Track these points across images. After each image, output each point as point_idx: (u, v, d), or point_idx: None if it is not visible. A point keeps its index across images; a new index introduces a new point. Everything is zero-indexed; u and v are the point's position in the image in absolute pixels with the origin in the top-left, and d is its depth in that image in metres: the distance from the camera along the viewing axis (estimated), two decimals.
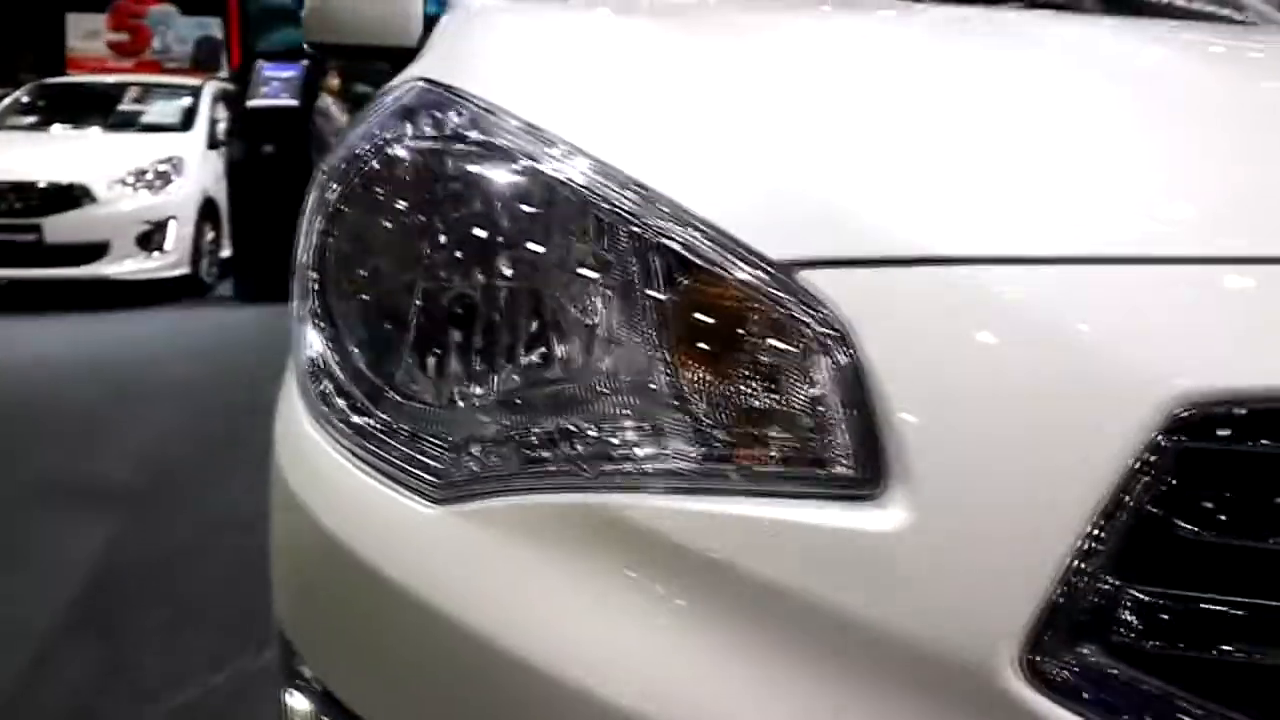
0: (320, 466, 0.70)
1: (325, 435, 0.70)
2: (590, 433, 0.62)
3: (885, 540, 0.54)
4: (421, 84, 0.91)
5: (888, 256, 0.59)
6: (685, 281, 0.62)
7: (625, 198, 0.64)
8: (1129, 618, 0.53)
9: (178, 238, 6.37)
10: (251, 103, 6.16)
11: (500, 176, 0.70)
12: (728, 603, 0.56)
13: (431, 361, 0.68)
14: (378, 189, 0.78)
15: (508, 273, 0.68)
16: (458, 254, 0.70)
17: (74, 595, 2.26)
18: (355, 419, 0.69)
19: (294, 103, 6.16)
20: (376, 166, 0.78)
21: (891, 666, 0.54)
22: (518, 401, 0.65)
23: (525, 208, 0.68)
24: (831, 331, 0.57)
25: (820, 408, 0.58)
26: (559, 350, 0.65)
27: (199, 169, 6.67)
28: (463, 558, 0.62)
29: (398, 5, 1.78)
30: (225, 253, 7.03)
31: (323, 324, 0.76)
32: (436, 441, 0.66)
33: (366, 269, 0.75)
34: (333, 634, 0.70)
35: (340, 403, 0.71)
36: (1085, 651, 0.52)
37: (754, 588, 0.56)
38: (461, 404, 0.66)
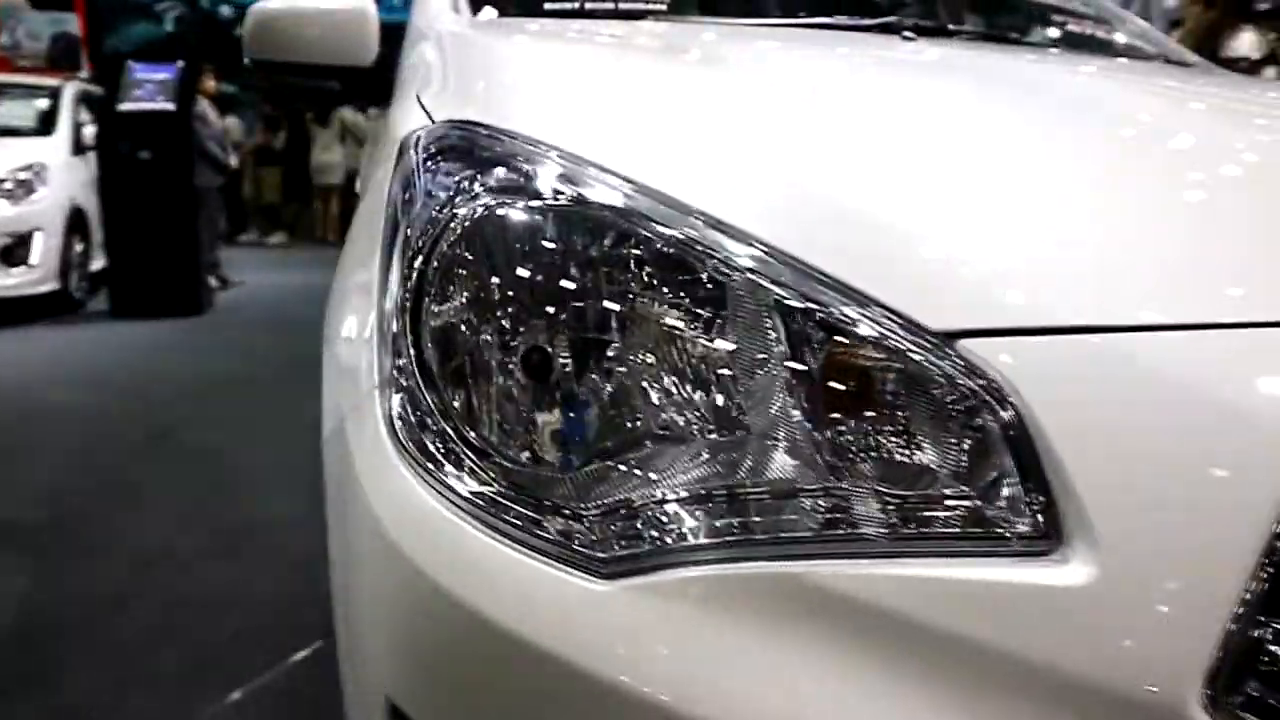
0: (458, 544, 0.68)
1: (457, 511, 0.69)
2: (774, 502, 0.63)
3: (1072, 594, 0.58)
4: (483, 131, 0.89)
5: (1046, 326, 0.63)
6: (851, 353, 0.64)
7: (782, 274, 0.66)
8: None
9: (44, 251, 5.94)
10: (124, 106, 5.79)
11: (645, 248, 0.71)
12: (923, 662, 0.59)
13: (588, 433, 0.68)
14: (478, 253, 0.76)
15: (655, 346, 0.69)
16: (599, 327, 0.70)
17: None
18: (498, 496, 0.68)
19: (170, 106, 5.83)
20: (477, 229, 0.77)
21: (1085, 713, 0.57)
22: (683, 473, 0.65)
23: (674, 277, 0.69)
24: (998, 398, 0.60)
25: (996, 471, 0.61)
26: (728, 422, 0.65)
27: (64, 177, 6.22)
28: (644, 632, 0.62)
29: (352, 24, 1.73)
30: (96, 266, 6.59)
31: (432, 393, 0.74)
32: (599, 515, 0.65)
33: (490, 335, 0.74)
34: (483, 713, 0.68)
35: (473, 478, 0.70)
36: (1258, 687, 0.57)
37: (949, 646, 0.58)
38: (626, 475, 0.66)
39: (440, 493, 0.70)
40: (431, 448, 0.72)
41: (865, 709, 0.59)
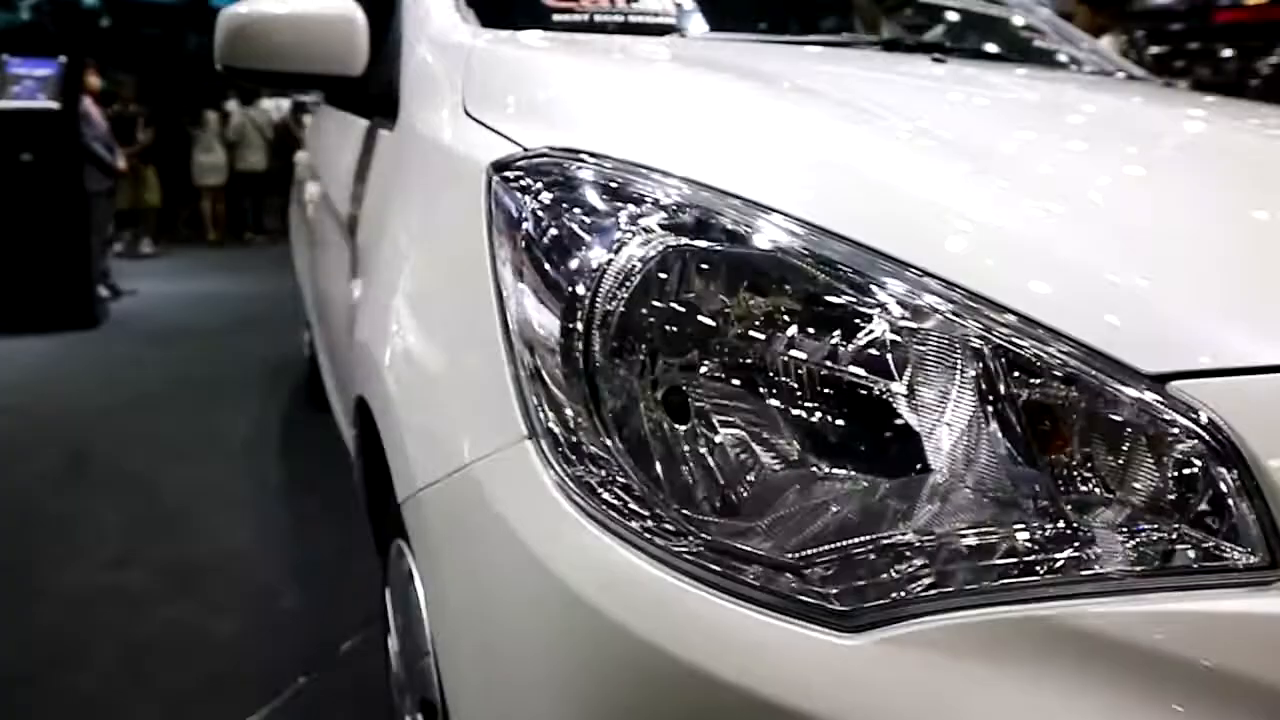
0: (678, 605, 0.66)
1: (669, 570, 0.67)
2: (1007, 545, 0.63)
3: None
4: (609, 163, 0.87)
5: (1252, 365, 0.65)
6: (1067, 397, 0.65)
7: (991, 321, 0.68)
8: None
9: None
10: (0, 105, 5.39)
11: (839, 293, 0.71)
12: (1173, 695, 0.61)
13: (806, 483, 0.67)
14: (660, 298, 0.75)
15: (856, 392, 0.68)
16: (796, 374, 0.70)
17: None
18: (716, 552, 0.67)
19: (54, 105, 5.45)
20: (657, 271, 0.75)
21: None
22: (912, 520, 0.65)
23: (868, 320, 0.69)
24: (1215, 437, 0.62)
25: (1220, 507, 0.63)
26: (951, 466, 0.65)
27: None
28: (898, 686, 0.61)
29: (339, 32, 1.65)
30: None
31: (615, 446, 0.72)
32: (836, 568, 0.65)
33: (679, 384, 0.71)
34: None
35: (683, 536, 0.68)
36: None
37: (1195, 677, 0.60)
38: (855, 525, 0.65)
39: (649, 552, 0.68)
40: (621, 503, 0.70)
41: None
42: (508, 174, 0.95)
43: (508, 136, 1.02)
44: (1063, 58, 2.00)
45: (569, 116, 1.04)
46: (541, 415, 0.77)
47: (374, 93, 1.61)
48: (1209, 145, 1.10)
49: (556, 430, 0.76)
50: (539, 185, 0.89)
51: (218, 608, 2.34)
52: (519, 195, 0.91)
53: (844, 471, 0.69)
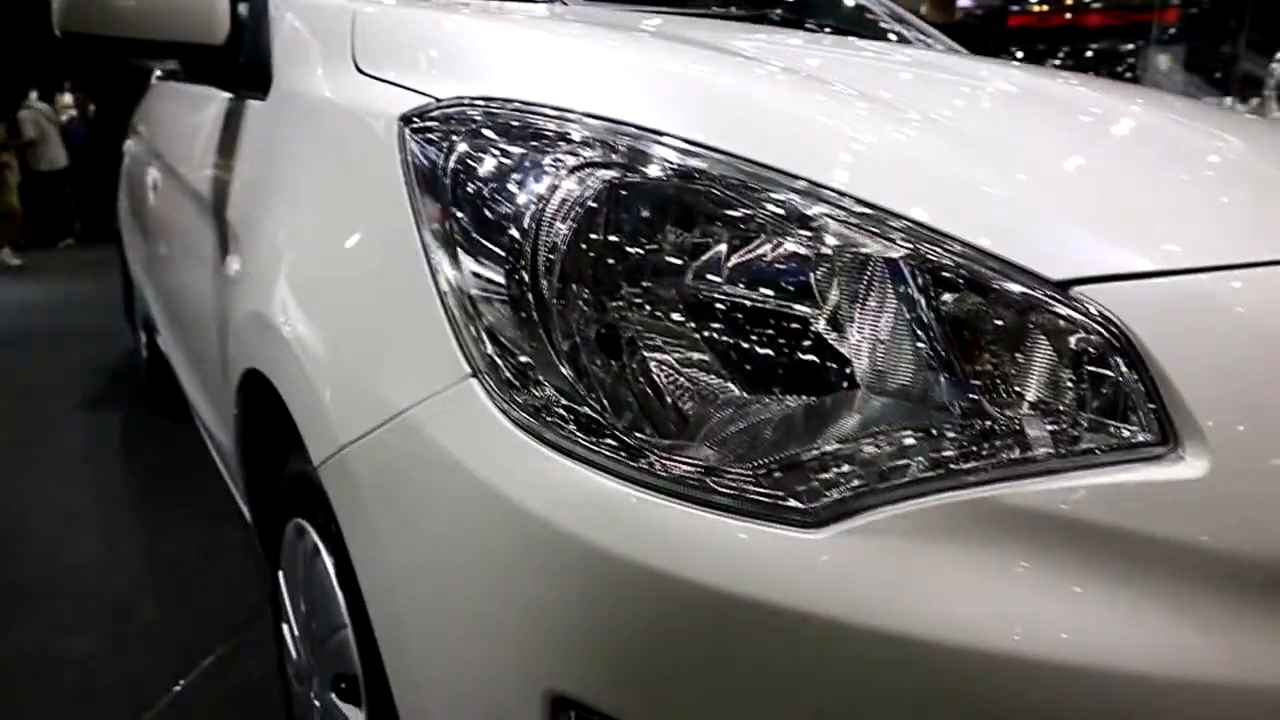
0: (650, 520, 0.69)
1: (639, 488, 0.70)
2: (946, 440, 0.69)
3: (1192, 485, 0.70)
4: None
5: (1146, 270, 0.75)
6: (989, 305, 0.72)
7: (915, 237, 0.74)
8: None
9: None
10: None
11: (775, 214, 0.76)
12: (1095, 557, 0.69)
13: (754, 391, 0.71)
14: (600, 227, 0.77)
15: (800, 304, 0.73)
16: (736, 290, 0.73)
17: None
18: (684, 467, 0.70)
19: None
20: (597, 204, 0.78)
21: (1214, 574, 0.70)
22: (857, 421, 0.70)
23: (797, 239, 0.74)
24: (1115, 334, 0.71)
25: (1121, 395, 0.71)
26: (894, 370, 0.71)
27: None
28: (863, 571, 0.66)
29: None
30: None
31: (573, 374, 0.74)
32: (793, 469, 0.69)
33: (627, 307, 0.74)
34: (696, 679, 0.69)
35: (649, 455, 0.71)
36: None
37: (1110, 539, 0.69)
38: (809, 429, 0.70)
39: (615, 471, 0.70)
40: (579, 429, 0.72)
41: (1054, 602, 0.67)
42: (420, 124, 0.95)
43: (414, 89, 1.01)
44: (906, 35, 2.16)
45: (475, 69, 1.05)
46: (486, 352, 0.78)
47: (239, 63, 1.54)
48: (1049, 96, 1.22)
49: (505, 365, 0.77)
50: (458, 132, 0.90)
51: (66, 628, 2.17)
52: (437, 143, 0.91)
53: (785, 388, 0.73)
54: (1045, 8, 14.61)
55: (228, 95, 1.67)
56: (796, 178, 0.78)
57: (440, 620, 0.81)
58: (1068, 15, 14.35)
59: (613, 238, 0.78)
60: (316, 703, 1.27)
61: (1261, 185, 1.00)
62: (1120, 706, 0.66)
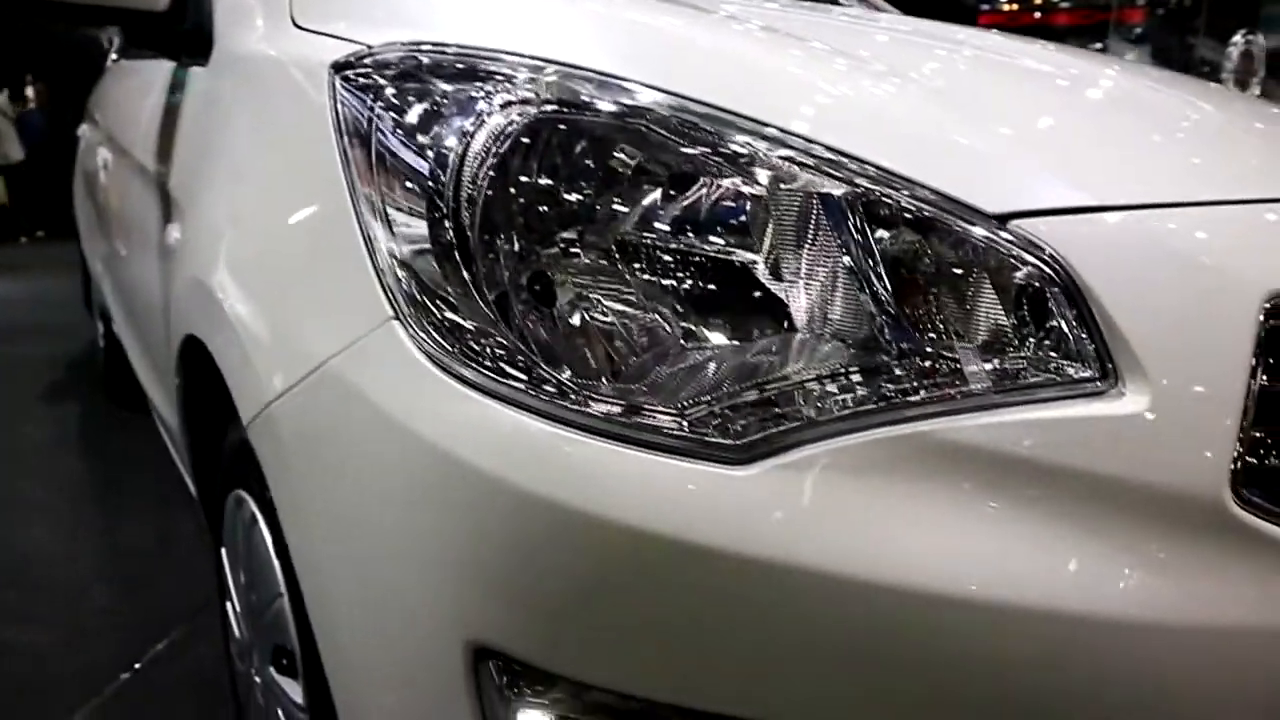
0: (574, 459, 0.66)
1: (564, 427, 0.67)
2: (884, 376, 0.67)
3: (1130, 420, 0.69)
4: (454, 49, 0.86)
5: (1082, 205, 0.73)
6: (926, 241, 0.70)
7: (848, 173, 0.72)
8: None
9: None
10: None
11: (707, 152, 0.74)
12: (1029, 491, 0.67)
13: (681, 330, 0.69)
14: (530, 165, 0.75)
15: (735, 242, 0.71)
16: (667, 228, 0.71)
17: None
18: (607, 404, 0.68)
19: None
20: (524, 141, 0.76)
21: (1153, 511, 0.68)
22: (791, 358, 0.68)
23: (735, 176, 0.72)
24: (1052, 268, 0.69)
25: (1060, 330, 0.70)
26: (831, 314, 0.69)
27: None
28: (788, 508, 0.64)
29: None
30: None
31: (496, 312, 0.72)
32: (719, 406, 0.67)
33: (555, 245, 0.72)
34: (621, 623, 0.66)
35: (573, 392, 0.68)
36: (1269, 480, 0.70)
37: (1045, 474, 0.67)
38: (736, 366, 0.68)
39: (540, 411, 0.67)
40: (503, 370, 0.69)
41: (993, 539, 0.66)
42: (351, 72, 0.92)
43: (348, 39, 0.98)
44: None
45: (417, 19, 1.02)
46: (409, 294, 0.75)
47: (181, 31, 1.51)
48: (994, 53, 1.21)
49: (427, 307, 0.74)
50: (387, 76, 0.87)
51: (16, 617, 2.12)
52: (365, 88, 0.88)
53: (719, 330, 0.71)
54: (1015, 7, 14.78)
55: (172, 65, 1.63)
56: (738, 117, 0.76)
57: (363, 575, 0.78)
58: (1037, 15, 14.54)
59: (543, 179, 0.76)
60: (257, 679, 1.24)
61: (1214, 136, 0.99)
62: (1061, 647, 0.65)
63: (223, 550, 1.39)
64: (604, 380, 0.69)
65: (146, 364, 2.04)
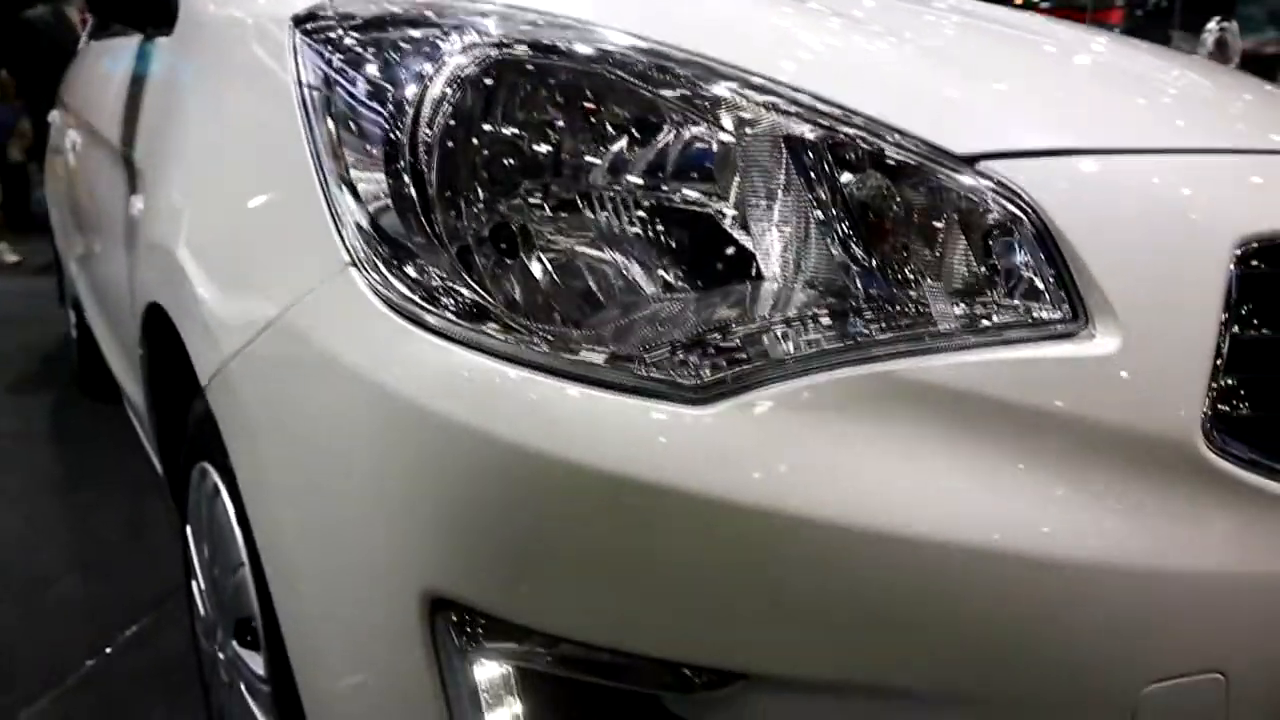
0: (537, 401, 0.64)
1: (525, 369, 0.65)
2: (844, 315, 0.66)
3: (1102, 362, 0.68)
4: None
5: (1051, 148, 0.72)
6: (896, 183, 0.69)
7: (815, 115, 0.71)
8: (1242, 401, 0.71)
9: None
10: None
11: (670, 95, 0.72)
12: (999, 431, 0.66)
13: (639, 274, 0.67)
14: (490, 109, 0.73)
15: (693, 183, 0.69)
16: (630, 171, 0.70)
17: None
18: (567, 347, 0.66)
19: None
20: (484, 84, 0.74)
21: (1126, 455, 0.67)
22: (752, 301, 0.67)
23: (703, 118, 0.70)
24: (1023, 209, 0.68)
25: (1030, 271, 0.69)
26: (799, 261, 0.68)
27: None
28: (748, 448, 0.62)
29: None
30: None
31: (455, 256, 0.70)
32: (677, 347, 0.65)
33: (517, 190, 0.70)
34: (584, 571, 0.64)
35: (534, 336, 0.67)
36: (1239, 422, 0.70)
37: (1016, 415, 0.66)
38: (697, 308, 0.66)
39: (499, 354, 0.65)
40: (464, 312, 0.67)
41: (960, 481, 0.64)
42: (312, 24, 0.90)
43: None
44: None
45: None
46: (367, 241, 0.73)
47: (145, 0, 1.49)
48: (984, 18, 1.20)
49: (385, 252, 0.72)
50: (348, 26, 0.85)
51: None
52: (327, 40, 0.86)
53: (685, 278, 0.70)
54: None
55: (139, 38, 1.61)
56: (706, 60, 0.74)
57: (319, 530, 0.76)
58: None
59: (506, 126, 0.73)
60: (221, 655, 1.21)
61: (1191, 94, 0.98)
62: (1030, 591, 0.63)
63: (188, 529, 1.36)
64: (567, 326, 0.67)
65: (115, 346, 2.01)
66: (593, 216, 0.71)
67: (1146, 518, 0.66)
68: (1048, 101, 0.82)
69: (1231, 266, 0.71)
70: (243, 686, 1.13)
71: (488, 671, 0.67)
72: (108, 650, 1.85)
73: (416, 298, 0.69)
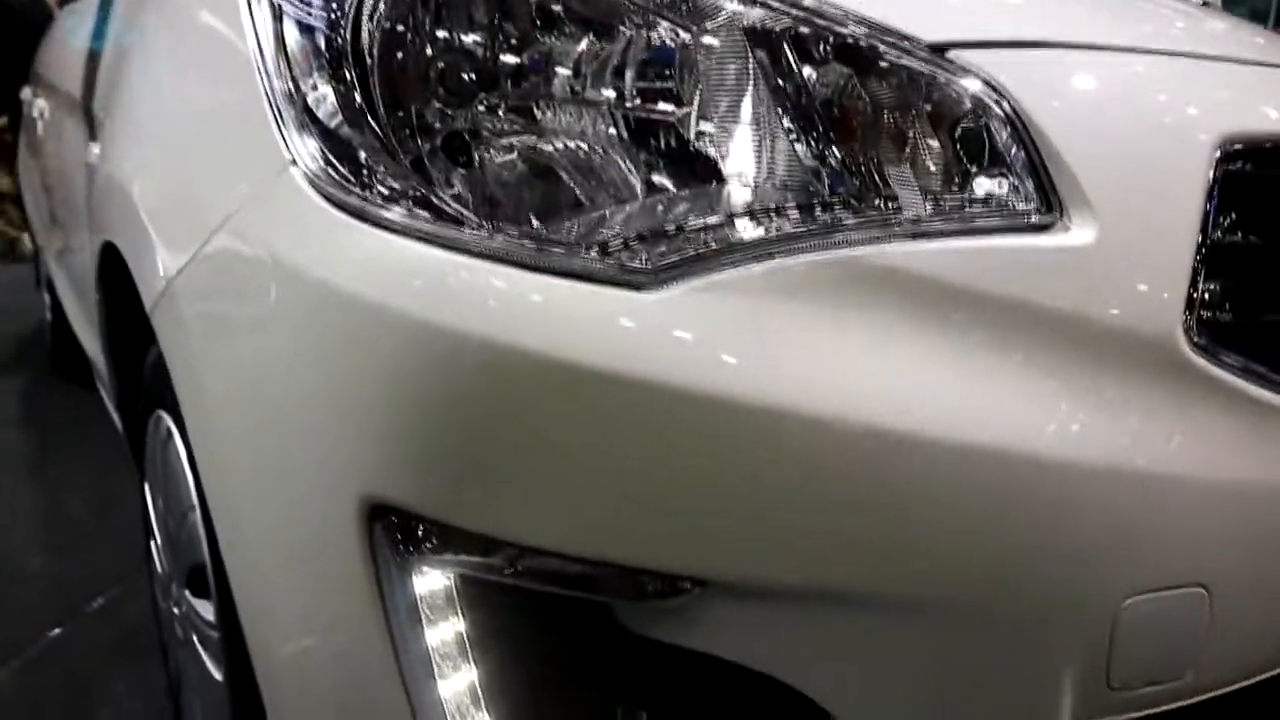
0: (482, 289, 0.60)
1: (470, 256, 0.62)
2: (807, 199, 0.63)
3: (1079, 253, 0.65)
4: None
5: (1023, 40, 0.70)
6: (863, 73, 0.66)
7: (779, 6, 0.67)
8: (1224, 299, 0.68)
9: None
10: None
11: None
12: (965, 322, 0.62)
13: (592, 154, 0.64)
14: None
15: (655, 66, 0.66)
16: (580, 52, 0.66)
17: None
18: (514, 232, 0.62)
19: None
20: None
21: (1103, 351, 0.64)
22: (710, 183, 0.63)
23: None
24: (995, 99, 0.65)
25: (1003, 161, 0.66)
26: (761, 156, 0.64)
27: None
28: (699, 333, 0.59)
29: None
30: None
31: (395, 143, 0.66)
32: (636, 246, 0.61)
33: (458, 72, 0.66)
34: (537, 468, 0.60)
35: (480, 221, 0.63)
36: (1219, 320, 0.67)
37: (986, 304, 0.63)
38: (658, 215, 0.63)
39: (442, 241, 0.62)
40: (410, 204, 0.64)
41: (927, 371, 0.61)
42: None
43: None
44: None
45: None
46: (308, 136, 0.69)
47: None
48: None
49: (325, 148, 0.68)
50: None
51: None
52: None
53: (641, 174, 0.66)
54: None
55: None
56: None
57: (262, 444, 0.72)
58: None
59: (457, 30, 0.69)
60: (177, 610, 1.17)
61: (1176, 10, 0.95)
62: (1001, 489, 0.60)
63: (146, 486, 1.32)
64: (515, 215, 0.64)
65: (81, 314, 1.96)
66: (546, 115, 0.67)
67: (1124, 416, 0.62)
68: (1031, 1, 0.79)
69: (1212, 167, 0.68)
70: (196, 640, 1.09)
71: (429, 583, 0.63)
72: (71, 623, 1.81)
73: (360, 191, 0.66)
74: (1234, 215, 0.69)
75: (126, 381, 1.38)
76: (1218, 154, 0.69)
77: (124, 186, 1.00)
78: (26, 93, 3.04)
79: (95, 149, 1.34)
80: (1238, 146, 0.69)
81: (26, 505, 2.44)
